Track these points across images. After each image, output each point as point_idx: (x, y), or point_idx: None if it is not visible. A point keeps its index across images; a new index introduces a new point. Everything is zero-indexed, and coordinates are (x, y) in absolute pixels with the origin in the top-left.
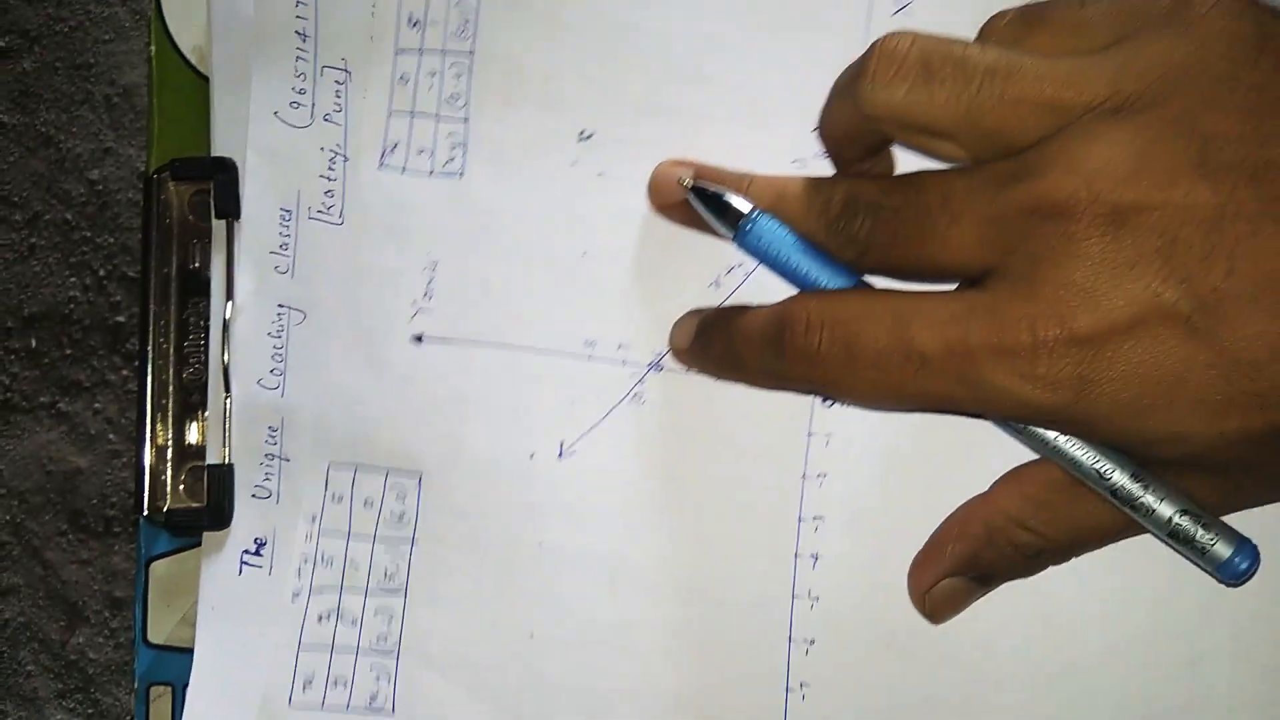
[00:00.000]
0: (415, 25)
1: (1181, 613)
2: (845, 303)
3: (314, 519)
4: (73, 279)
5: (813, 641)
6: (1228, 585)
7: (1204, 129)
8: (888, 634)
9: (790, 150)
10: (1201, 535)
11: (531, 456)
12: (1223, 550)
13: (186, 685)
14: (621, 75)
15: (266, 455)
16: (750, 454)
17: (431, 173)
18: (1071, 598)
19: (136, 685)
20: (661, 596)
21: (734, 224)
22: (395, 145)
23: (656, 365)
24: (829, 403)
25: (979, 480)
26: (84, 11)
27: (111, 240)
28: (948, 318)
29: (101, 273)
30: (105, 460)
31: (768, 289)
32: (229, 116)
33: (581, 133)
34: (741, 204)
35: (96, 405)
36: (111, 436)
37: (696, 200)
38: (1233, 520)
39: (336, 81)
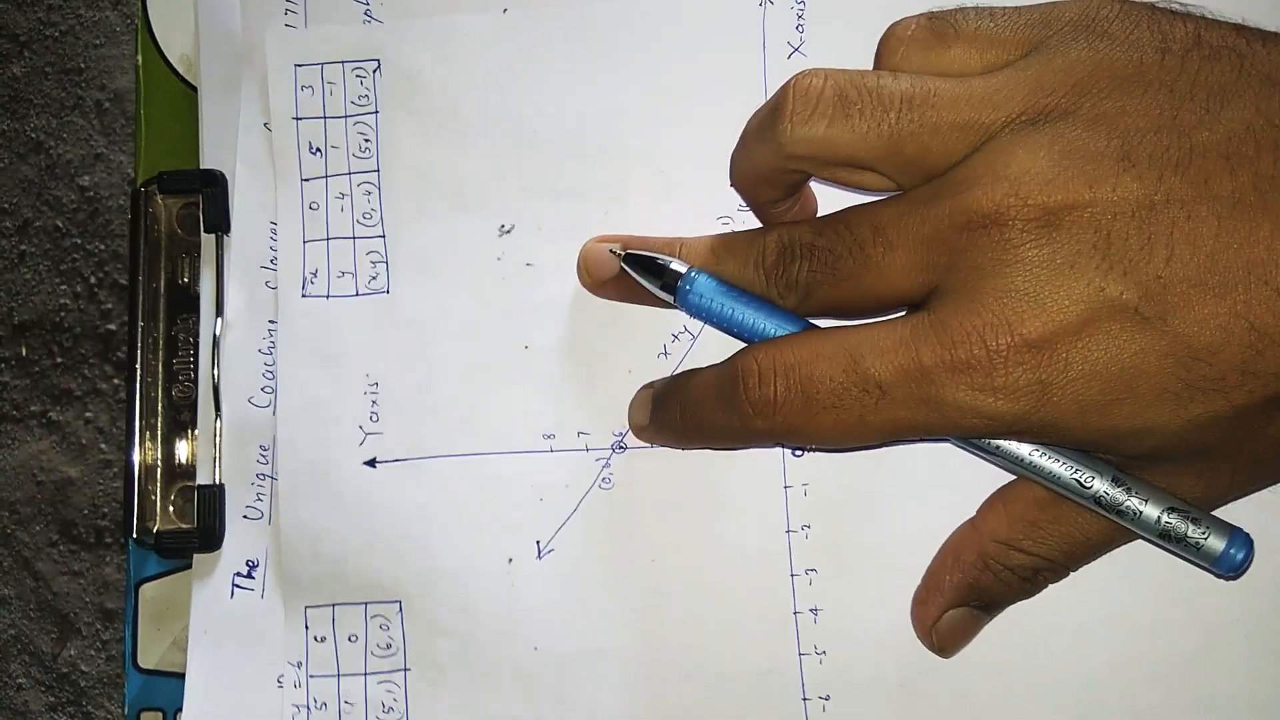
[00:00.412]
0: (316, 152)
1: (1189, 617)
2: (794, 347)
3: (299, 664)
4: (63, 286)
5: (828, 697)
6: (1226, 579)
7: (1123, 126)
8: (901, 677)
9: (713, 209)
10: (1193, 531)
11: (510, 561)
12: (1216, 544)
13: (179, 710)
14: (531, 164)
15: (258, 475)
16: (730, 517)
17: (357, 294)
18: (1075, 610)
19: (127, 711)
20: (670, 680)
21: (672, 287)
22: (315, 272)
23: (620, 445)
24: (799, 453)
25: (966, 506)
26: (75, 16)
27: (103, 247)
28: (897, 343)
29: (93, 280)
30: (97, 470)
31: (720, 349)
32: (218, 127)
33: (501, 227)
34: (678, 265)
35: (88, 414)
36: (103, 446)
37: (632, 269)
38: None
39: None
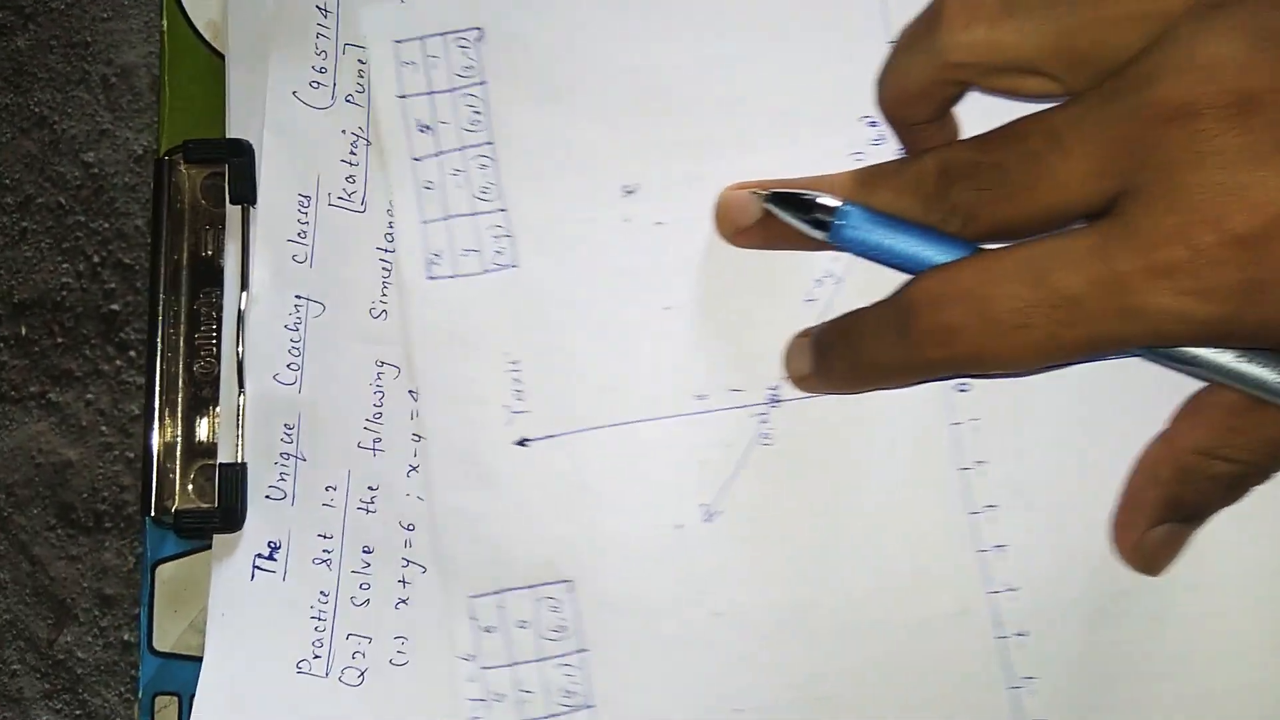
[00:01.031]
0: (425, 130)
1: None
2: (968, 270)
3: (470, 658)
4: (65, 265)
5: (1025, 633)
6: None
7: None
8: (1098, 603)
9: (845, 146)
10: None
11: (678, 527)
12: None
13: (193, 695)
14: (649, 119)
15: (282, 454)
16: (899, 460)
17: (484, 271)
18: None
19: (141, 695)
20: (859, 630)
21: (824, 223)
22: (438, 253)
23: (775, 399)
24: (964, 388)
25: (1145, 421)
26: None
27: (106, 225)
28: (1086, 252)
29: (95, 259)
30: (97, 453)
31: (867, 289)
32: (246, 96)
33: (625, 188)
34: (829, 200)
35: (89, 396)
36: (104, 428)
37: (779, 208)
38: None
39: (360, 60)
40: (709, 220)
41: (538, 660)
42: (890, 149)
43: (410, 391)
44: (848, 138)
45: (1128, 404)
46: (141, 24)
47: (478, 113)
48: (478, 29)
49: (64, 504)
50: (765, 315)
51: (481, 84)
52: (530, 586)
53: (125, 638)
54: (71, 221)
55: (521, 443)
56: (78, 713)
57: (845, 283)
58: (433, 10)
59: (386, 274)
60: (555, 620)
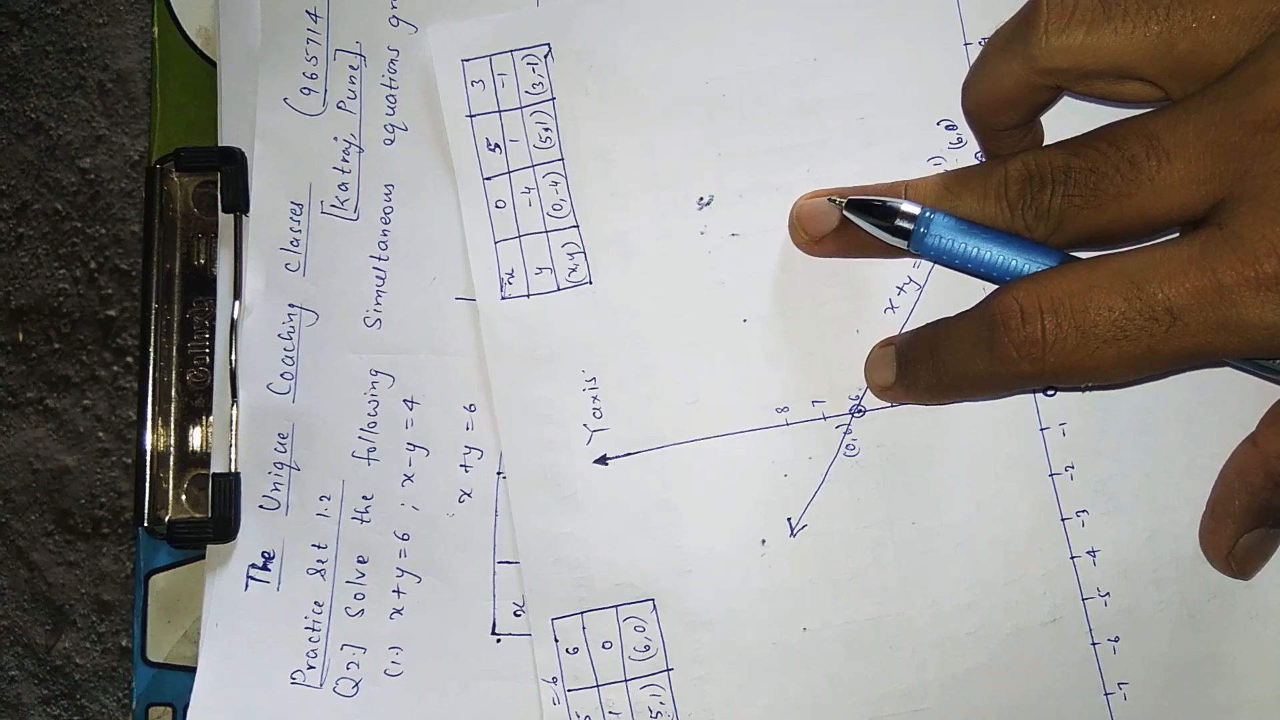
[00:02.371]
0: (495, 149)
1: None
2: (1059, 280)
3: (555, 680)
4: (62, 271)
5: (1117, 638)
6: None
7: None
8: (1189, 607)
9: (922, 151)
10: None
11: (764, 542)
12: None
13: (188, 706)
14: (722, 129)
15: (275, 464)
16: (987, 468)
17: (558, 288)
18: None
19: (135, 705)
20: (953, 642)
21: (905, 231)
22: (511, 272)
23: (858, 409)
24: (1050, 393)
25: (1233, 427)
26: None
27: (103, 231)
28: (1186, 263)
29: (92, 265)
30: (94, 459)
31: (949, 298)
32: (238, 104)
33: (700, 199)
34: (910, 206)
35: (86, 402)
36: (101, 434)
37: (857, 216)
38: None
39: (350, 66)
40: (785, 230)
41: (623, 681)
42: (970, 153)
43: (406, 401)
44: (926, 142)
45: (1215, 406)
46: (137, 29)
47: (547, 129)
48: (545, 45)
49: (62, 510)
50: (845, 325)
51: (550, 100)
52: (613, 606)
53: (123, 644)
54: (68, 227)
55: (602, 461)
56: (75, 719)
57: (926, 291)
58: (500, 28)
59: (380, 282)
60: (640, 640)
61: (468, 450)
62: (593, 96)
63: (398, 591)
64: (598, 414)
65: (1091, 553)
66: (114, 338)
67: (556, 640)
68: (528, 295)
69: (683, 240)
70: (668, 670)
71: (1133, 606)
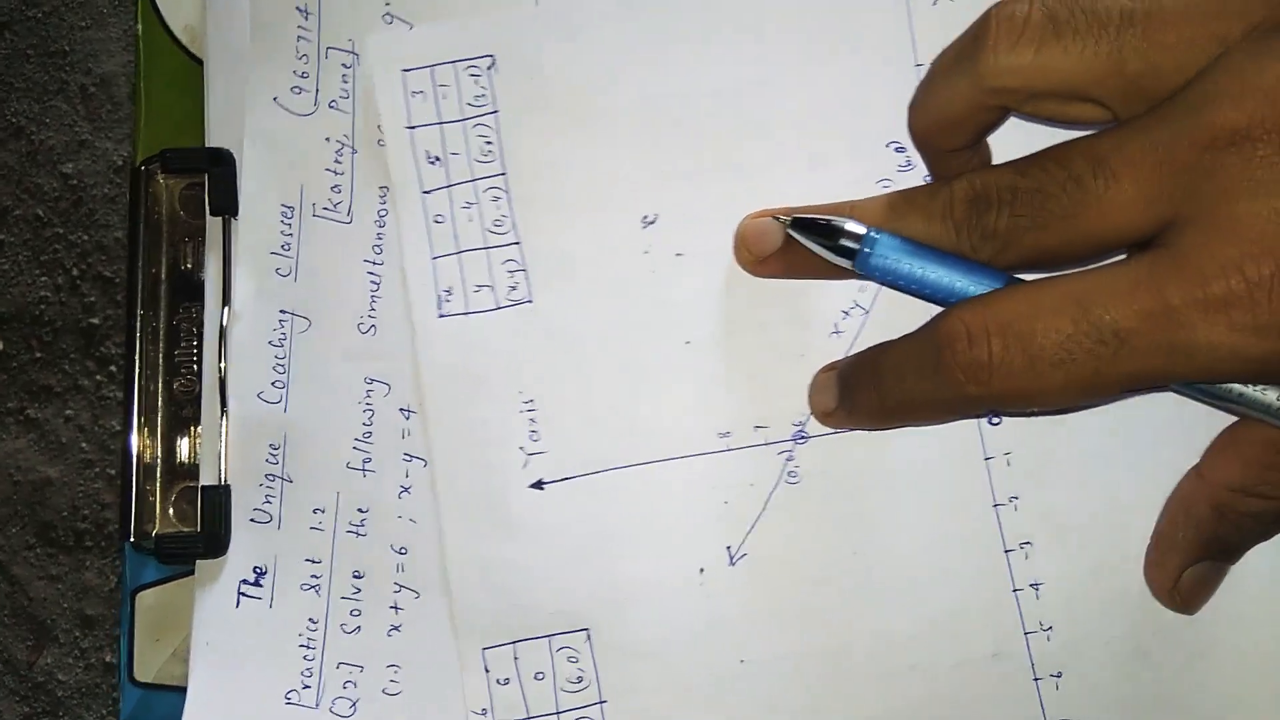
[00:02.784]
0: (435, 161)
1: None
2: (1006, 302)
3: (484, 711)
4: (44, 278)
5: (1059, 674)
6: None
7: None
8: (1135, 642)
9: (870, 173)
10: None
11: (702, 571)
12: None
13: None
14: (668, 148)
15: (267, 475)
16: (930, 497)
17: (498, 306)
18: None
19: None
20: (894, 675)
21: (850, 251)
22: (449, 289)
23: (801, 435)
24: (995, 421)
25: (1178, 458)
26: None
27: (86, 238)
28: (1134, 284)
29: (75, 272)
30: (77, 470)
31: (895, 323)
32: (225, 103)
33: (644, 218)
34: (855, 226)
35: (68, 412)
36: (84, 445)
37: (802, 235)
38: None
39: (343, 65)
40: (731, 251)
41: (555, 713)
42: (919, 175)
43: (402, 410)
44: (874, 164)
45: (1164, 437)
46: (120, 32)
47: (489, 143)
48: (489, 56)
49: (43, 522)
50: (790, 348)
51: (493, 113)
52: (547, 636)
53: (107, 659)
54: (50, 234)
55: (538, 485)
56: None
57: (872, 315)
58: (443, 38)
59: (375, 287)
60: (573, 670)
61: None
62: (537, 110)
63: (396, 608)
64: (535, 437)
65: (1035, 585)
66: (97, 346)
67: (487, 670)
68: (466, 313)
69: (626, 260)
70: (601, 703)
71: (1076, 641)
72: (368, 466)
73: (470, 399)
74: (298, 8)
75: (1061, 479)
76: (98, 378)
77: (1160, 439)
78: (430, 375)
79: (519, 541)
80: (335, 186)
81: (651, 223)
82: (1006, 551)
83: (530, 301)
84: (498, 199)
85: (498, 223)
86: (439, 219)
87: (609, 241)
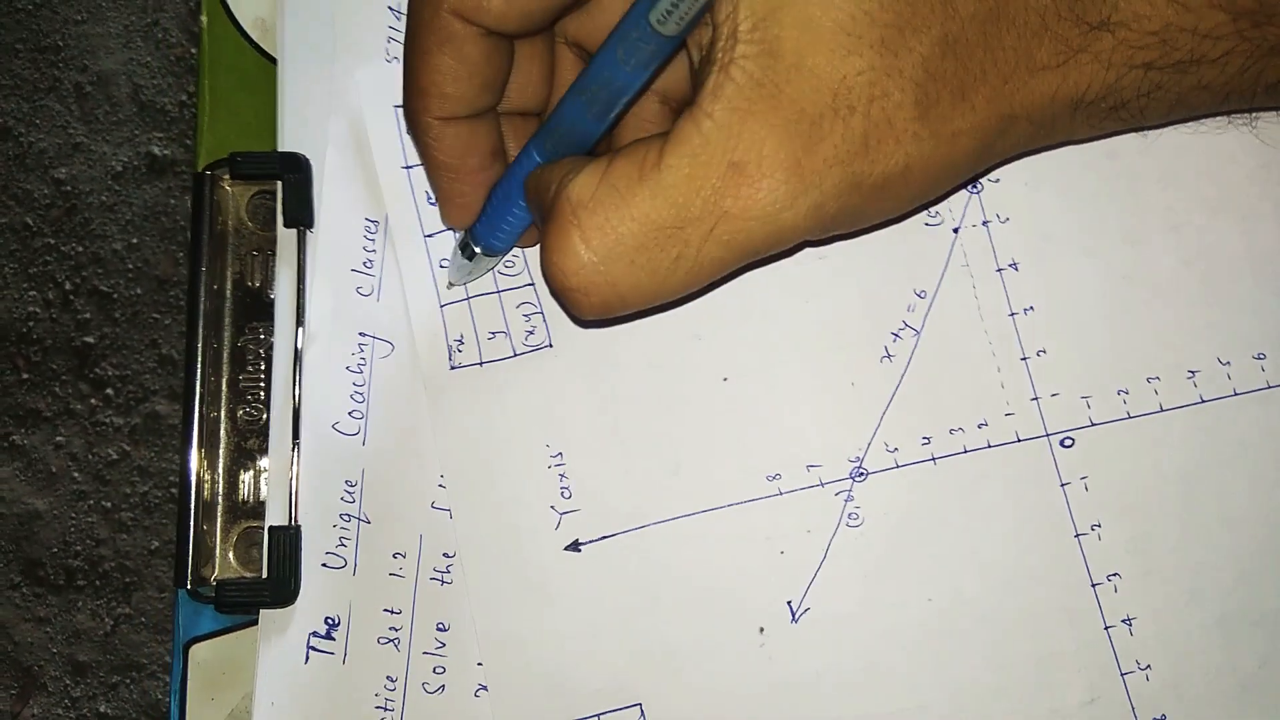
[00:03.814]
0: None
1: None
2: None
3: None
4: (33, 292)
5: (1163, 716)
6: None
7: None
8: (1239, 676)
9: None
10: None
11: (762, 630)
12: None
13: None
14: None
15: (342, 515)
16: (1007, 532)
17: (515, 354)
18: None
19: None
20: None
21: (473, 251)
22: (460, 338)
23: (859, 472)
24: (1068, 443)
25: (1269, 471)
26: None
27: (80, 249)
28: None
29: (67, 286)
30: (68, 502)
31: (949, 342)
32: (301, 105)
33: None
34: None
35: (59, 439)
36: (76, 475)
37: (467, 260)
38: None
39: None
40: (764, 275)
41: None
42: None
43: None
44: None
45: (1246, 450)
46: (121, 28)
47: None
48: None
49: (31, 559)
50: (838, 378)
51: None
52: (595, 715)
53: (101, 709)
54: (40, 244)
55: (574, 547)
56: None
57: (924, 335)
58: None
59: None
60: None
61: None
62: None
63: (484, 663)
64: (566, 494)
65: (1128, 621)
66: (91, 367)
67: None
68: (480, 363)
69: None
70: None
71: (1178, 680)
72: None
73: (492, 456)
74: (389, 6)
75: (1145, 502)
76: (92, 401)
77: (1246, 453)
78: (445, 433)
79: (556, 611)
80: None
81: None
82: (1094, 585)
83: (550, 346)
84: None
85: (509, 264)
86: (444, 264)
87: None
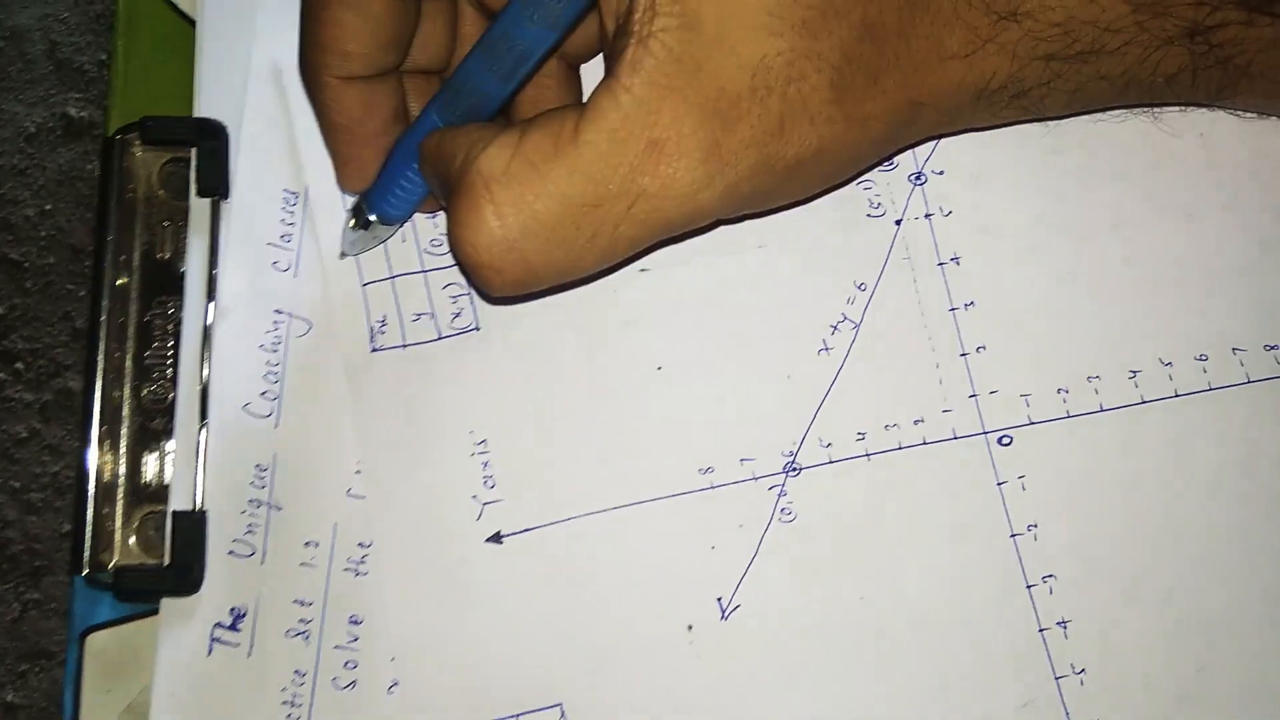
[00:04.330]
0: None
1: None
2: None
3: None
4: None
5: None
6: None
7: None
8: (1178, 684)
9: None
10: None
11: (690, 628)
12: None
13: None
14: None
15: (251, 501)
16: (940, 532)
17: (440, 336)
18: None
19: None
20: None
21: (368, 221)
22: (383, 319)
23: (793, 467)
24: (1005, 440)
25: (1210, 477)
26: None
27: None
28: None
29: None
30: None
31: (888, 336)
32: (219, 70)
33: None
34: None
35: None
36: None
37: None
38: None
39: None
40: (702, 263)
41: None
42: (902, 174)
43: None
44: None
45: (1188, 455)
46: None
47: None
48: None
49: None
50: (774, 370)
51: None
52: (514, 716)
53: (9, 698)
54: None
55: (495, 539)
56: None
57: (863, 328)
58: None
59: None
60: None
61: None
62: None
63: (397, 659)
64: (489, 483)
65: (1063, 624)
66: (2, 339)
67: None
68: (403, 345)
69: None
70: None
71: (1113, 684)
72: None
73: (411, 443)
74: None
75: (1084, 502)
76: (2, 376)
77: (1187, 458)
78: (364, 418)
79: (475, 606)
80: None
81: None
82: (1029, 587)
83: (477, 329)
84: (434, 215)
85: (435, 242)
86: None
87: None
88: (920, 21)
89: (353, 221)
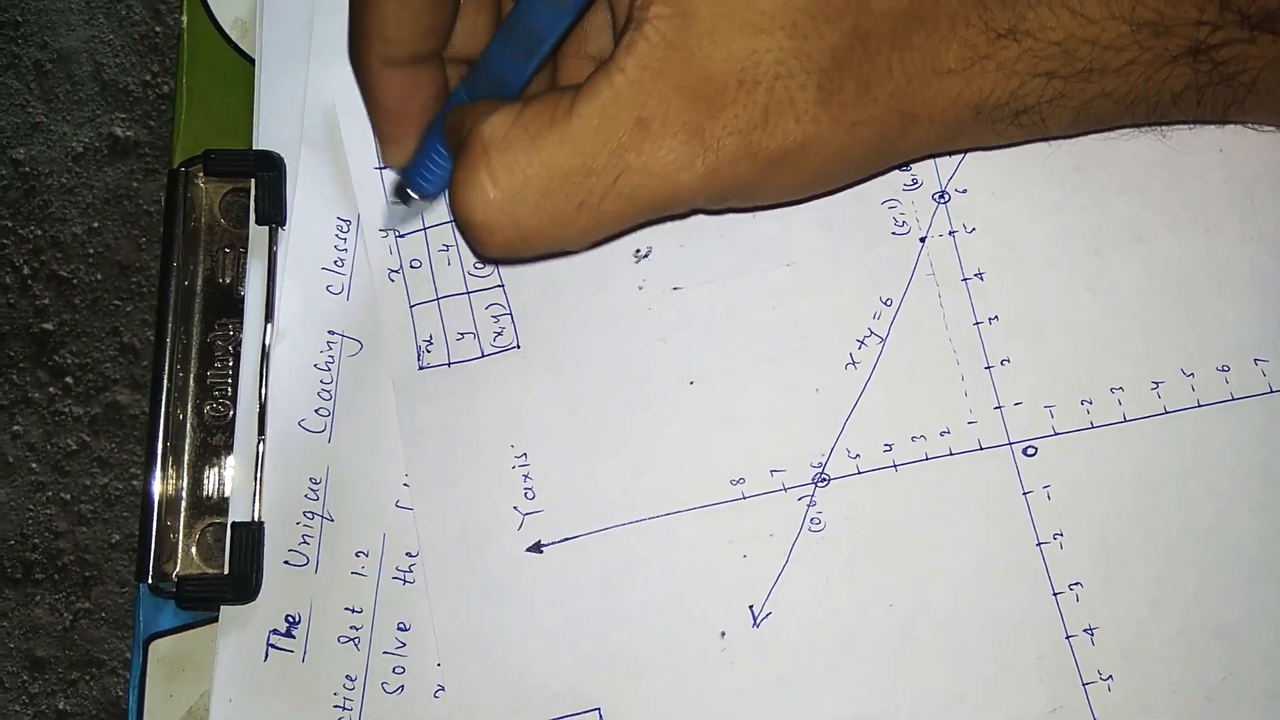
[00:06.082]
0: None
1: None
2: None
3: None
4: None
5: None
6: None
7: None
8: (1205, 689)
9: (876, 194)
10: None
11: (723, 635)
12: None
13: None
14: None
15: (305, 513)
16: (968, 541)
17: (483, 355)
18: None
19: None
20: None
21: (408, 195)
22: (430, 338)
23: (822, 478)
24: (1030, 451)
25: (1231, 484)
26: None
27: (39, 233)
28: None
29: (26, 270)
30: (26, 494)
31: (914, 350)
32: (277, 105)
33: (637, 252)
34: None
35: (16, 428)
36: (34, 465)
37: (403, 205)
38: None
39: None
40: (733, 282)
41: None
42: (927, 192)
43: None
44: (877, 185)
45: (1210, 462)
46: (83, 4)
47: None
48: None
49: None
50: (802, 383)
51: None
52: (554, 719)
53: (60, 706)
54: None
55: (535, 548)
56: None
57: (890, 342)
58: None
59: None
60: None
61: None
62: None
63: (443, 665)
64: (530, 494)
65: (1089, 630)
66: (50, 355)
67: None
68: (448, 364)
69: (619, 297)
70: None
71: (1140, 691)
72: None
73: (456, 456)
74: None
75: (1107, 510)
76: (51, 390)
77: (1208, 466)
78: (411, 432)
79: (516, 612)
80: None
81: (645, 256)
82: (1055, 594)
83: (518, 347)
84: None
85: (479, 265)
86: (415, 264)
87: (600, 278)
88: (916, 35)
89: (394, 198)
